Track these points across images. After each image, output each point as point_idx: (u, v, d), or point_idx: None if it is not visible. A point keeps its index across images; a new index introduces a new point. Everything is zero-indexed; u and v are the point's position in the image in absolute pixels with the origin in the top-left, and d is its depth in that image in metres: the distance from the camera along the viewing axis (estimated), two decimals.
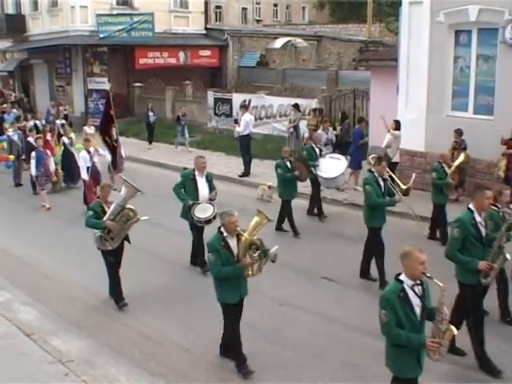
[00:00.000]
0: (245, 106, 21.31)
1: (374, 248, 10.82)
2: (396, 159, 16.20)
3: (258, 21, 49.12)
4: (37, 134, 20.06)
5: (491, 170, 15.25)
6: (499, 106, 15.09)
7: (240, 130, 19.57)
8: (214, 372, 8.03)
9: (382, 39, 39.45)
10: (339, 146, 19.02)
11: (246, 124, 19.45)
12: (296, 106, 21.52)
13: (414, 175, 12.80)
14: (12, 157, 19.82)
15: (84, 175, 15.91)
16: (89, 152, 16.01)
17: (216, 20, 44.20)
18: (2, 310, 9.93)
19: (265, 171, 19.75)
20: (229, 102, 26.86)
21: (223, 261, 7.58)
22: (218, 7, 45.28)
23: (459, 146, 15.38)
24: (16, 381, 7.67)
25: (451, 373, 7.90)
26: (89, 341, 8.95)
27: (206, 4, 37.44)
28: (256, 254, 7.73)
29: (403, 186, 12.25)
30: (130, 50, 31.94)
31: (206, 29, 36.07)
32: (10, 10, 36.48)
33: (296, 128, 21.05)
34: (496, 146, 14.72)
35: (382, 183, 10.84)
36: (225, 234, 7.69)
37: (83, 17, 31.10)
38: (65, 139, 19.05)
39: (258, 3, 49.52)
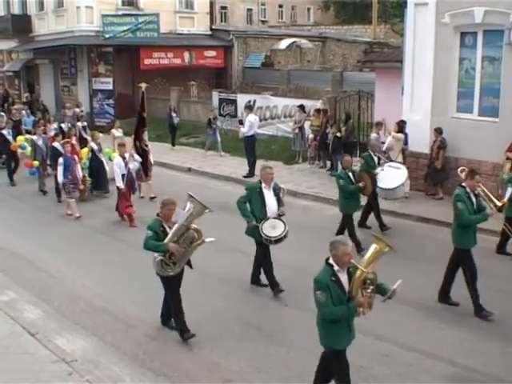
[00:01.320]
0: (249, 107, 21.32)
1: (466, 271, 9.70)
2: (399, 160, 16.16)
3: (263, 22, 49.16)
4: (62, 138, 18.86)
5: (496, 172, 15.21)
6: (504, 107, 15.05)
7: (245, 130, 19.58)
8: (218, 372, 8.02)
9: (387, 40, 39.42)
10: (344, 147, 19.04)
11: (250, 125, 19.46)
12: (301, 107, 21.52)
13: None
14: (36, 163, 18.54)
15: (119, 183, 14.88)
16: (124, 158, 15.10)
17: (221, 21, 44.24)
18: (7, 309, 9.94)
19: None
20: (234, 102, 26.88)
21: (334, 299, 6.41)
22: (223, 8, 45.33)
23: (444, 145, 15.80)
24: (20, 380, 7.68)
25: (455, 375, 7.88)
26: (93, 340, 8.95)
27: (211, 5, 37.47)
28: (369, 290, 6.58)
29: (498, 203, 10.94)
30: (135, 50, 31.97)
31: (211, 29, 36.07)
32: (16, 10, 36.59)
33: (301, 129, 21.05)
34: (501, 148, 14.69)
35: (473, 199, 9.73)
36: (336, 267, 6.52)
37: (89, 17, 31.15)
38: (93, 144, 17.85)
39: (263, 4, 49.56)
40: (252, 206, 10.37)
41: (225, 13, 45.76)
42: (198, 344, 8.73)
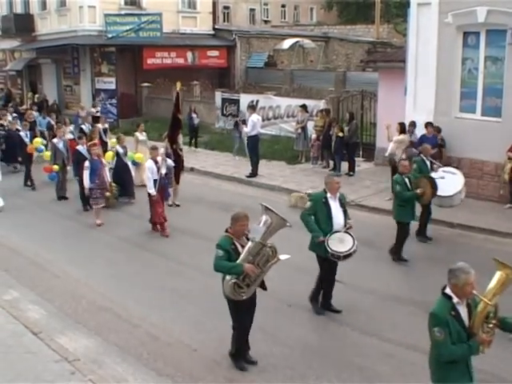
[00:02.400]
0: (252, 107, 21.32)
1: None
2: None
3: (265, 21, 49.15)
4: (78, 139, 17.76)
5: (499, 172, 15.21)
6: (507, 107, 15.06)
7: (247, 130, 19.57)
8: (222, 373, 8.00)
9: (390, 40, 39.43)
10: (346, 147, 19.05)
11: (253, 125, 19.45)
12: (304, 107, 21.52)
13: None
14: (56, 167, 17.46)
15: (151, 189, 13.81)
16: (156, 162, 14.01)
17: (224, 20, 44.25)
18: (10, 309, 9.92)
19: (272, 172, 19.81)
20: (236, 102, 26.88)
21: (453, 337, 5.48)
22: (225, 8, 45.35)
23: (444, 143, 15.95)
24: (23, 379, 7.66)
25: None
26: (96, 340, 8.94)
27: (214, 4, 37.54)
28: (491, 325, 5.66)
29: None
30: (138, 50, 32.01)
31: (214, 29, 36.14)
32: (18, 9, 36.64)
33: (304, 129, 21.05)
34: (504, 148, 14.69)
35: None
36: (455, 299, 5.54)
37: (91, 17, 31.19)
38: (118, 148, 16.99)
39: (265, 4, 49.56)
40: (317, 219, 9.50)
41: (227, 12, 45.76)
42: (202, 344, 8.72)
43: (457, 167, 14.37)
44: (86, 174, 14.75)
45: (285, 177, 19.22)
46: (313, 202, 9.58)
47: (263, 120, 22.75)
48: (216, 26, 36.73)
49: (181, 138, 15.38)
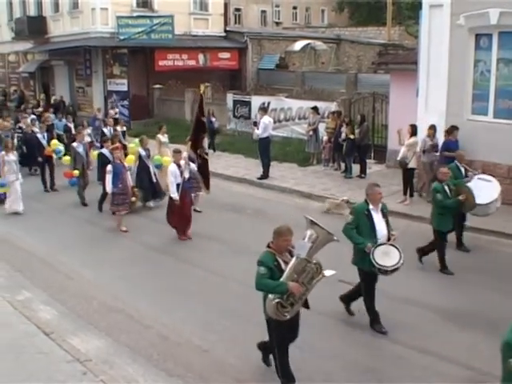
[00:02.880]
0: (264, 109, 21.33)
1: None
2: (412, 165, 16.10)
3: (277, 23, 49.19)
4: (102, 143, 17.81)
5: (511, 174, 15.15)
6: None
7: (259, 132, 19.57)
8: (233, 374, 8.02)
9: (402, 42, 39.36)
10: (358, 149, 19.03)
11: (265, 127, 19.45)
12: (315, 109, 21.51)
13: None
14: (77, 172, 17.20)
15: (174, 193, 13.51)
16: (179, 166, 13.71)
17: (235, 22, 44.36)
18: (22, 309, 9.99)
19: (284, 174, 19.82)
20: (248, 104, 26.89)
21: None
22: (237, 10, 45.46)
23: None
24: (35, 379, 7.71)
25: (470, 379, 7.83)
26: (107, 340, 8.98)
27: (226, 6, 37.61)
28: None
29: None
30: (150, 51, 32.10)
31: (226, 31, 36.20)
32: (31, 11, 36.83)
33: (315, 131, 21.04)
34: None
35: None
36: None
37: (103, 19, 31.28)
38: (141, 151, 16.67)
39: (277, 6, 49.61)
40: (359, 232, 8.99)
41: (239, 14, 45.88)
42: (212, 345, 8.74)
43: (492, 174, 13.76)
44: (108, 178, 14.38)
45: (296, 179, 19.21)
46: (355, 215, 9.12)
47: (275, 122, 22.75)
48: (227, 28, 36.81)
49: (206, 142, 14.85)
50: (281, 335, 7.32)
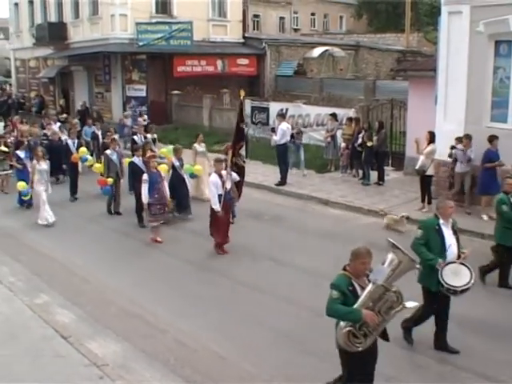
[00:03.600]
0: (282, 115, 21.35)
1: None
2: (430, 172, 16.01)
3: (295, 30, 49.16)
4: (133, 151, 17.14)
5: None
6: None
7: (277, 138, 19.56)
8: (249, 381, 8.02)
9: (420, 49, 39.24)
10: (376, 156, 18.97)
11: (282, 133, 19.45)
12: (333, 116, 21.49)
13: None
14: (111, 180, 16.68)
15: (216, 205, 12.88)
16: (221, 176, 13.10)
17: (254, 29, 44.39)
18: (40, 312, 10.07)
19: (301, 180, 19.79)
20: (266, 110, 26.91)
21: None
22: (255, 16, 45.48)
23: None
24: (52, 382, 7.76)
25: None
26: (124, 345, 9.01)
27: (244, 13, 37.79)
28: None
29: None
30: (169, 57, 32.27)
31: (244, 37, 36.35)
32: (52, 18, 37.23)
33: (333, 137, 21.01)
34: None
35: None
36: None
37: (123, 25, 31.56)
38: (174, 160, 16.18)
39: (295, 12, 49.57)
40: (429, 248, 8.40)
41: (257, 21, 45.89)
42: (230, 352, 8.74)
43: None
44: (144, 188, 13.83)
45: (314, 185, 19.18)
46: (424, 230, 8.56)
47: (293, 128, 22.73)
48: (246, 35, 36.95)
49: (243, 150, 14.35)
50: (352, 370, 6.73)
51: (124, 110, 31.55)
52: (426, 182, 16.07)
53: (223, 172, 13.16)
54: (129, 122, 26.37)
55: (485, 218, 14.85)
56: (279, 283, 11.29)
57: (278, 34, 44.82)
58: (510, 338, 8.93)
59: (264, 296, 10.83)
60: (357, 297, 6.44)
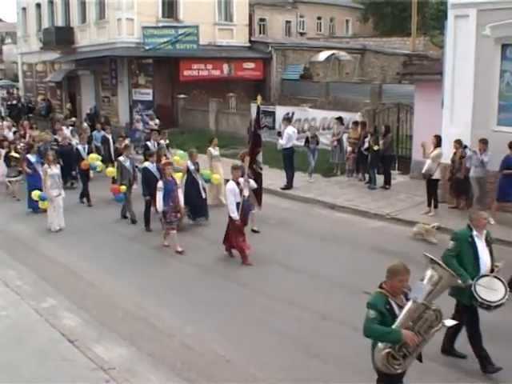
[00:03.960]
0: (288, 119, 21.34)
1: None
2: (437, 176, 15.97)
3: (301, 34, 49.19)
4: (146, 158, 16.66)
5: None
6: None
7: (283, 142, 19.56)
8: None
9: (427, 53, 39.18)
10: (382, 160, 18.96)
11: (288, 137, 19.45)
12: (339, 120, 21.49)
13: None
14: (124, 187, 16.33)
15: (233, 213, 12.62)
16: (238, 183, 12.87)
17: (260, 33, 44.46)
18: (47, 316, 10.11)
19: (307, 184, 19.78)
20: (272, 114, 26.93)
21: None
22: (261, 20, 45.55)
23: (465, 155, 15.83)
24: None
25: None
26: (131, 349, 9.02)
27: (250, 17, 37.87)
28: None
29: None
30: (175, 61, 32.36)
31: (250, 41, 36.42)
32: (59, 22, 37.40)
33: (339, 141, 21.01)
34: None
35: None
36: None
37: (129, 29, 31.67)
38: (190, 165, 15.90)
39: (301, 16, 49.62)
40: (461, 261, 8.10)
41: (263, 25, 45.95)
42: (235, 355, 8.74)
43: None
44: (159, 196, 13.51)
45: (320, 189, 19.17)
46: (457, 242, 8.21)
47: (299, 132, 22.73)
48: (252, 38, 37.04)
49: (261, 156, 14.01)
50: None
51: (131, 113, 31.68)
52: (432, 185, 16.04)
53: (240, 179, 12.94)
54: (140, 126, 26.26)
55: (492, 221, 14.76)
56: (284, 286, 11.29)
57: (284, 37, 44.84)
58: None
59: (269, 299, 10.83)
60: (394, 316, 6.11)
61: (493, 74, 15.72)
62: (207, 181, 16.88)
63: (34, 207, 17.51)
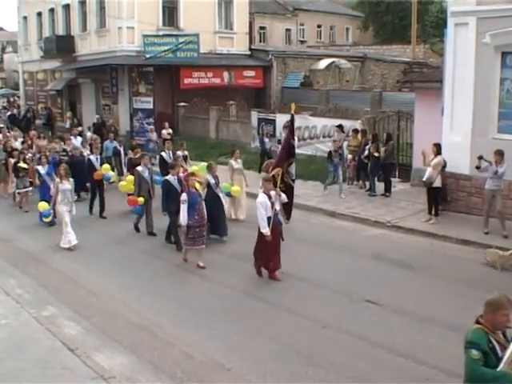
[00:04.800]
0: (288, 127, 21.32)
1: None
2: (437, 184, 15.96)
3: (301, 42, 49.35)
4: (163, 170, 16.12)
5: None
6: None
7: None
8: None
9: (427, 60, 39.31)
10: (382, 168, 18.96)
11: None
12: (340, 127, 21.51)
13: None
14: (142, 199, 15.48)
15: (265, 229, 11.62)
16: (269, 197, 11.83)
17: (260, 41, 44.61)
18: (48, 325, 10.08)
19: (308, 192, 19.78)
20: (272, 122, 26.96)
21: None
22: (262, 28, 45.72)
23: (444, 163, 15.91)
24: None
25: None
26: (131, 358, 8.99)
27: (251, 25, 37.98)
28: None
29: None
30: (176, 70, 32.44)
31: (251, 49, 36.56)
32: (60, 31, 37.53)
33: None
34: None
35: None
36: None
37: (130, 37, 31.77)
38: (210, 178, 14.95)
39: (301, 24, 49.78)
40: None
41: (264, 33, 46.11)
42: (236, 364, 8.72)
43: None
44: (183, 209, 12.62)
45: (320, 197, 19.17)
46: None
47: (299, 140, 22.77)
48: (252, 47, 37.18)
49: (293, 168, 13.07)
50: None
51: (131, 122, 31.61)
52: (433, 193, 16.04)
53: (272, 192, 11.91)
54: (154, 136, 25.55)
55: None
56: (285, 295, 11.28)
57: (284, 45, 45.02)
58: None
59: (270, 308, 10.82)
60: (496, 355, 5.38)
61: (493, 81, 15.74)
62: (227, 194, 16.13)
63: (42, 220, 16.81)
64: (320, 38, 51.91)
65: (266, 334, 9.69)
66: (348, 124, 22.44)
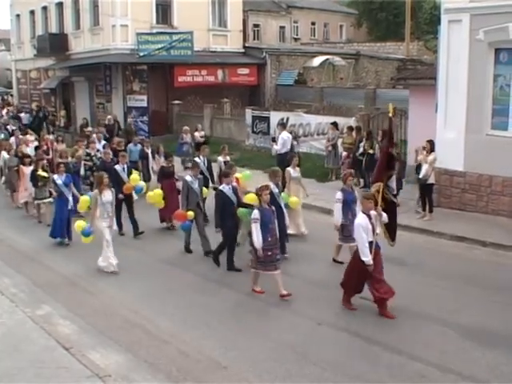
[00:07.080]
0: (282, 124, 21.34)
1: None
2: (431, 180, 15.99)
3: (295, 39, 49.29)
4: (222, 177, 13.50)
5: None
6: None
7: (277, 148, 19.57)
8: None
9: (421, 57, 39.35)
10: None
11: (283, 142, 19.46)
12: (334, 125, 21.51)
13: None
14: (191, 214, 13.53)
15: (367, 256, 9.92)
16: (370, 217, 10.17)
17: (254, 38, 44.53)
18: (43, 323, 10.04)
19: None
20: (266, 120, 26.95)
21: None
22: (255, 26, 45.62)
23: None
24: None
25: None
26: (127, 356, 8.97)
27: (244, 23, 37.96)
28: None
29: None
30: (170, 67, 32.37)
31: (245, 47, 36.55)
32: (53, 29, 37.42)
33: (334, 146, 21.03)
34: None
35: None
36: None
37: (123, 35, 31.72)
38: (272, 187, 12.62)
39: (295, 22, 49.71)
40: None
41: (257, 30, 46.02)
42: (232, 362, 8.71)
43: None
44: (256, 229, 10.75)
45: (315, 194, 19.09)
46: None
47: (294, 138, 22.74)
48: (246, 44, 37.17)
49: (393, 181, 11.77)
50: None
51: (125, 120, 31.44)
52: (427, 190, 16.06)
53: (372, 212, 10.26)
54: (188, 138, 23.41)
55: None
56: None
57: (278, 43, 44.94)
58: None
59: (266, 306, 10.81)
60: None
61: (486, 78, 15.77)
62: (285, 206, 13.65)
63: (56, 236, 15.03)
64: (314, 36, 51.85)
65: (262, 332, 9.69)
66: (342, 121, 22.44)
